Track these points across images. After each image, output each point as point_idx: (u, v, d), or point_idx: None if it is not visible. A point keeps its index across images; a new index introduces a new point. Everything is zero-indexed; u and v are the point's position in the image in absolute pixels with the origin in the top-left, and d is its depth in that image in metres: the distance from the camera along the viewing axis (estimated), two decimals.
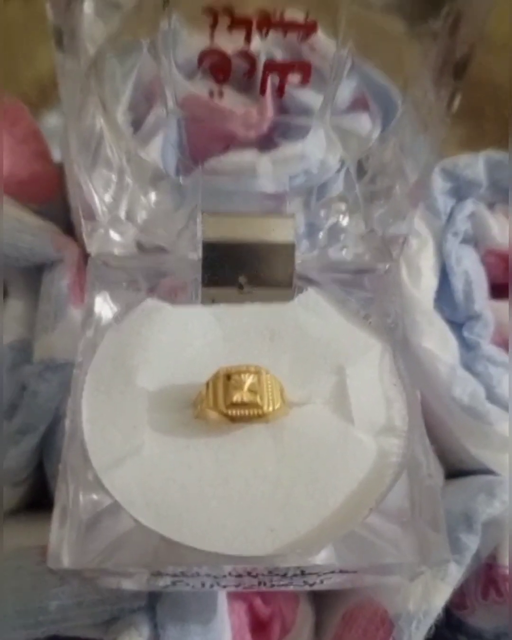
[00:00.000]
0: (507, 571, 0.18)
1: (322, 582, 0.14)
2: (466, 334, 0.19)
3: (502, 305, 0.20)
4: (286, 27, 0.16)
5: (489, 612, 0.19)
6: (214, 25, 0.16)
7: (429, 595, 0.17)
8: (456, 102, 0.15)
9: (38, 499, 0.21)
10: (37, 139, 0.21)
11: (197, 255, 0.17)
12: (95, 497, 0.14)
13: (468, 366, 0.19)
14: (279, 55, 0.17)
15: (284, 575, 0.14)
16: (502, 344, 0.20)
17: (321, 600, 0.19)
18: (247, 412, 0.14)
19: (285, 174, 0.18)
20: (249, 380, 0.14)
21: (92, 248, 0.17)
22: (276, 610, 0.18)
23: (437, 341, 0.18)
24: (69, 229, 0.21)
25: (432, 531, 0.14)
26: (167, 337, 0.16)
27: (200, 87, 0.17)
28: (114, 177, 0.17)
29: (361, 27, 0.16)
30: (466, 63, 0.15)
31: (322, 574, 0.14)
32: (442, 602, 0.17)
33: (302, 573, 0.13)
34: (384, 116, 0.17)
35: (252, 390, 0.14)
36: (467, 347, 0.19)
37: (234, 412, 0.14)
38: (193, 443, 0.15)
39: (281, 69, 0.17)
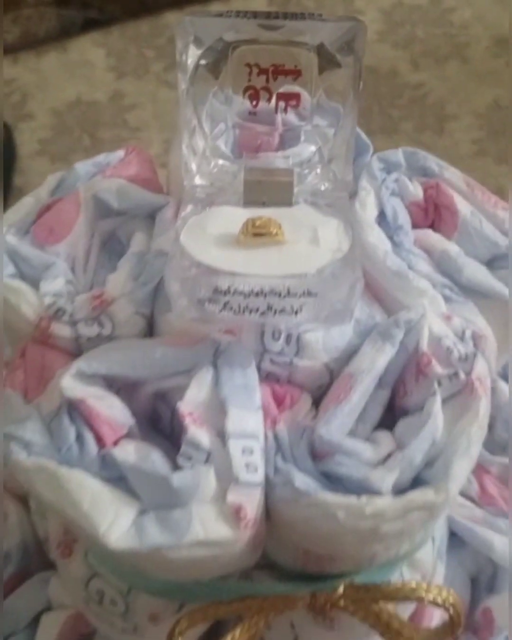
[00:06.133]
0: (427, 358, 0.30)
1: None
2: (395, 238, 0.33)
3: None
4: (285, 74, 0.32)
5: (419, 392, 0.30)
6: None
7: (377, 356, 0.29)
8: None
9: None
10: (146, 157, 0.37)
11: (241, 190, 0.32)
12: None
13: (396, 254, 0.33)
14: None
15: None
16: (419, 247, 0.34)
17: None
18: (263, 231, 0.29)
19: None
20: (264, 220, 0.29)
21: (190, 187, 0.32)
22: (288, 389, 0.31)
23: (377, 237, 0.33)
24: None
25: None
26: (229, 213, 0.30)
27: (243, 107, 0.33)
28: (199, 153, 0.32)
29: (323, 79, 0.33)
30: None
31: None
32: (385, 362, 0.29)
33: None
34: (336, 122, 0.33)
35: (265, 224, 0.29)
36: (395, 245, 0.33)
37: (256, 231, 0.28)
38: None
39: (285, 97, 0.33)
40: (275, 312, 0.28)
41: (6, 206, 0.69)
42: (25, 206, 0.35)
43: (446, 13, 1.05)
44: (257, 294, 0.27)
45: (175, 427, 0.31)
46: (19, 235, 0.34)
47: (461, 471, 0.27)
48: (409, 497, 0.26)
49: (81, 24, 1.15)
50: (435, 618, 0.42)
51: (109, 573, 0.34)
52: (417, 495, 0.26)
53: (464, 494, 0.46)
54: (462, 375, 0.29)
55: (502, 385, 0.49)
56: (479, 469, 0.46)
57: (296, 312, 0.28)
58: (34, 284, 0.32)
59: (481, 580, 0.45)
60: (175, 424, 0.31)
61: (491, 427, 0.50)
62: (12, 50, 1.04)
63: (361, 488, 0.27)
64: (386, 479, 0.27)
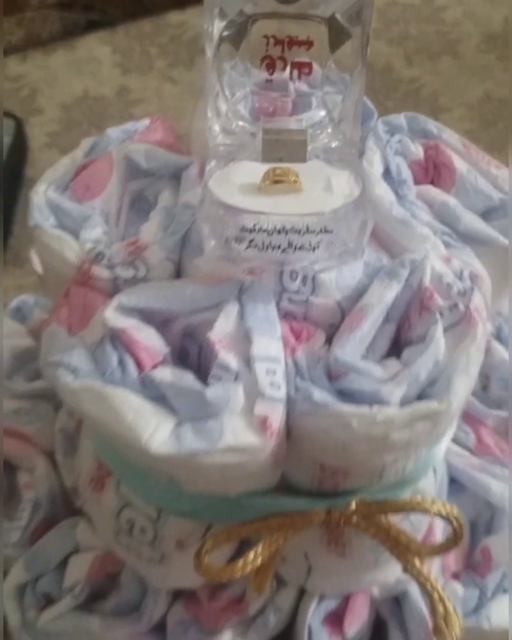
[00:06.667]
0: (429, 293, 0.33)
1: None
2: (399, 191, 0.37)
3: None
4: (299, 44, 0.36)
5: (423, 325, 0.34)
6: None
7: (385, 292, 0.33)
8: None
9: None
10: (169, 126, 0.41)
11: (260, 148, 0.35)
12: None
13: (400, 205, 0.36)
14: None
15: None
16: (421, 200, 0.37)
17: None
18: (283, 179, 0.32)
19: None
20: (284, 169, 0.32)
21: (213, 145, 0.36)
22: (304, 326, 0.34)
23: (383, 190, 0.36)
24: None
25: None
26: (250, 167, 0.34)
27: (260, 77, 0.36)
28: (222, 116, 0.36)
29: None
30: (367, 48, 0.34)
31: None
32: (392, 297, 0.33)
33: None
34: (344, 90, 0.36)
35: (285, 173, 0.32)
36: (399, 197, 0.37)
37: (276, 179, 0.32)
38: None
39: (298, 66, 0.36)
40: (295, 248, 0.31)
41: (20, 197, 0.74)
42: (63, 166, 0.38)
43: (438, 11, 1.09)
44: (279, 232, 0.31)
45: (202, 363, 0.35)
46: (58, 191, 0.37)
47: (461, 386, 0.31)
48: (415, 407, 0.30)
49: (84, 26, 1.19)
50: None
51: (142, 497, 0.37)
52: (423, 405, 0.30)
53: (462, 444, 0.50)
54: (461, 307, 0.33)
55: (496, 345, 0.53)
56: (476, 422, 0.50)
57: (314, 249, 0.31)
58: (74, 234, 0.36)
59: (479, 524, 0.49)
60: (202, 359, 0.34)
61: (486, 385, 0.54)
62: (18, 50, 1.08)
63: (372, 400, 0.30)
64: (394, 392, 0.30)
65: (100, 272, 0.34)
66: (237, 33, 0.35)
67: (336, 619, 0.44)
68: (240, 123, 0.36)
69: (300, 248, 0.31)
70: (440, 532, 0.42)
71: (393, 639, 0.45)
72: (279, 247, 0.31)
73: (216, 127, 0.36)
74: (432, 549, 0.35)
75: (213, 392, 0.30)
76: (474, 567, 0.47)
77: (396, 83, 1.01)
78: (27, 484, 0.49)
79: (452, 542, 0.34)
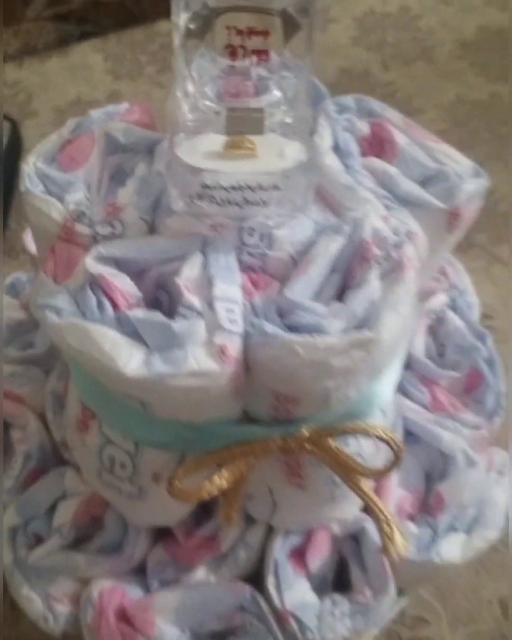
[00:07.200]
0: (368, 245, 0.38)
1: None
2: (346, 162, 0.42)
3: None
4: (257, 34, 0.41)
5: (362, 275, 0.39)
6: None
7: (329, 244, 0.38)
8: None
9: None
10: (146, 108, 0.46)
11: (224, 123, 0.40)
12: None
13: (347, 173, 0.41)
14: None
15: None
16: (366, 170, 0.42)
17: None
18: (240, 145, 0.37)
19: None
20: (242, 137, 0.37)
21: (182, 120, 0.41)
22: (262, 276, 0.39)
23: (331, 160, 0.41)
24: None
25: None
26: (214, 138, 0.39)
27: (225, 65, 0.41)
28: (190, 96, 0.41)
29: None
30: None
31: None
32: (336, 249, 0.38)
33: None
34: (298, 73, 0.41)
35: (242, 141, 0.37)
36: (346, 167, 0.42)
37: (234, 145, 0.37)
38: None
39: (257, 53, 0.41)
40: (250, 204, 0.36)
41: (16, 193, 0.79)
42: (51, 141, 0.43)
43: (413, 20, 1.15)
44: (235, 188, 0.36)
45: (172, 309, 0.39)
46: (46, 163, 0.42)
47: (391, 321, 0.36)
48: (351, 335, 0.35)
49: (78, 36, 1.25)
50: (392, 497, 0.51)
51: (120, 432, 0.42)
52: (357, 334, 0.35)
53: (418, 402, 0.55)
54: (395, 255, 0.38)
55: (451, 315, 0.58)
56: (430, 383, 0.55)
57: (266, 204, 0.36)
58: (60, 198, 0.41)
59: (434, 474, 0.54)
60: (172, 307, 0.39)
61: (442, 352, 0.59)
62: (15, 58, 1.14)
63: (315, 331, 0.35)
64: (334, 324, 0.35)
65: (82, 229, 0.39)
66: (202, 25, 0.40)
67: (300, 555, 0.48)
68: (207, 103, 0.41)
69: (254, 204, 0.36)
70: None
71: (354, 575, 0.49)
72: (235, 202, 0.36)
73: (185, 106, 0.41)
74: (376, 471, 0.40)
75: (179, 325, 0.35)
76: (427, 510, 0.51)
77: (373, 86, 1.06)
78: (19, 439, 0.54)
79: (393, 463, 0.39)
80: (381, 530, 0.41)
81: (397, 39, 1.12)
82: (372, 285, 0.36)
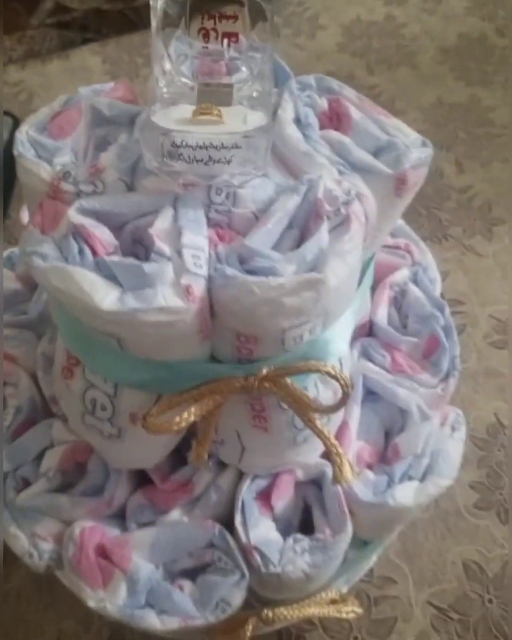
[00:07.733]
0: (321, 202, 0.43)
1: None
2: (305, 133, 0.46)
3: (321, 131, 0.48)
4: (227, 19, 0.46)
5: (317, 231, 0.43)
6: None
7: (287, 201, 0.42)
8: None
9: None
10: (130, 87, 0.51)
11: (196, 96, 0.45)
12: None
13: (306, 143, 0.46)
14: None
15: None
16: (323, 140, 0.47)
17: None
18: (208, 112, 0.42)
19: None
20: (210, 105, 0.42)
21: (159, 93, 0.46)
22: (227, 232, 0.44)
23: (292, 130, 0.46)
24: None
25: None
26: (186, 108, 0.44)
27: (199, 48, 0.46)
28: (167, 73, 0.46)
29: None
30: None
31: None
32: (293, 206, 0.42)
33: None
34: (264, 54, 0.46)
35: (210, 108, 0.42)
36: (306, 137, 0.46)
37: (203, 112, 0.42)
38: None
39: (228, 35, 0.46)
40: (214, 162, 0.41)
41: (16, 185, 0.85)
42: (42, 113, 0.48)
43: (398, 28, 1.21)
44: (201, 147, 0.40)
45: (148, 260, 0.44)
46: (38, 131, 0.47)
47: (337, 266, 0.40)
48: (301, 276, 0.39)
49: (79, 43, 1.31)
50: (352, 446, 0.55)
51: (101, 374, 0.46)
52: (306, 275, 0.39)
53: (379, 365, 0.59)
54: (343, 211, 0.42)
55: (412, 287, 0.63)
56: (391, 348, 0.60)
57: (229, 162, 0.41)
58: (49, 162, 0.45)
59: (393, 431, 0.58)
60: (147, 258, 0.44)
61: (405, 323, 0.64)
62: (18, 61, 1.20)
63: (270, 274, 0.40)
64: (286, 268, 0.40)
65: (67, 187, 0.44)
66: (178, 10, 0.45)
67: (266, 497, 0.53)
68: (183, 79, 0.46)
69: (218, 161, 0.41)
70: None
71: (316, 518, 0.54)
72: (202, 160, 0.41)
73: (162, 82, 0.46)
74: (327, 407, 0.44)
75: (149, 267, 0.40)
76: (385, 460, 0.56)
77: (357, 89, 1.10)
78: (11, 394, 0.58)
79: (342, 400, 0.43)
80: (331, 461, 0.46)
81: (382, 45, 1.18)
82: (323, 235, 0.41)
